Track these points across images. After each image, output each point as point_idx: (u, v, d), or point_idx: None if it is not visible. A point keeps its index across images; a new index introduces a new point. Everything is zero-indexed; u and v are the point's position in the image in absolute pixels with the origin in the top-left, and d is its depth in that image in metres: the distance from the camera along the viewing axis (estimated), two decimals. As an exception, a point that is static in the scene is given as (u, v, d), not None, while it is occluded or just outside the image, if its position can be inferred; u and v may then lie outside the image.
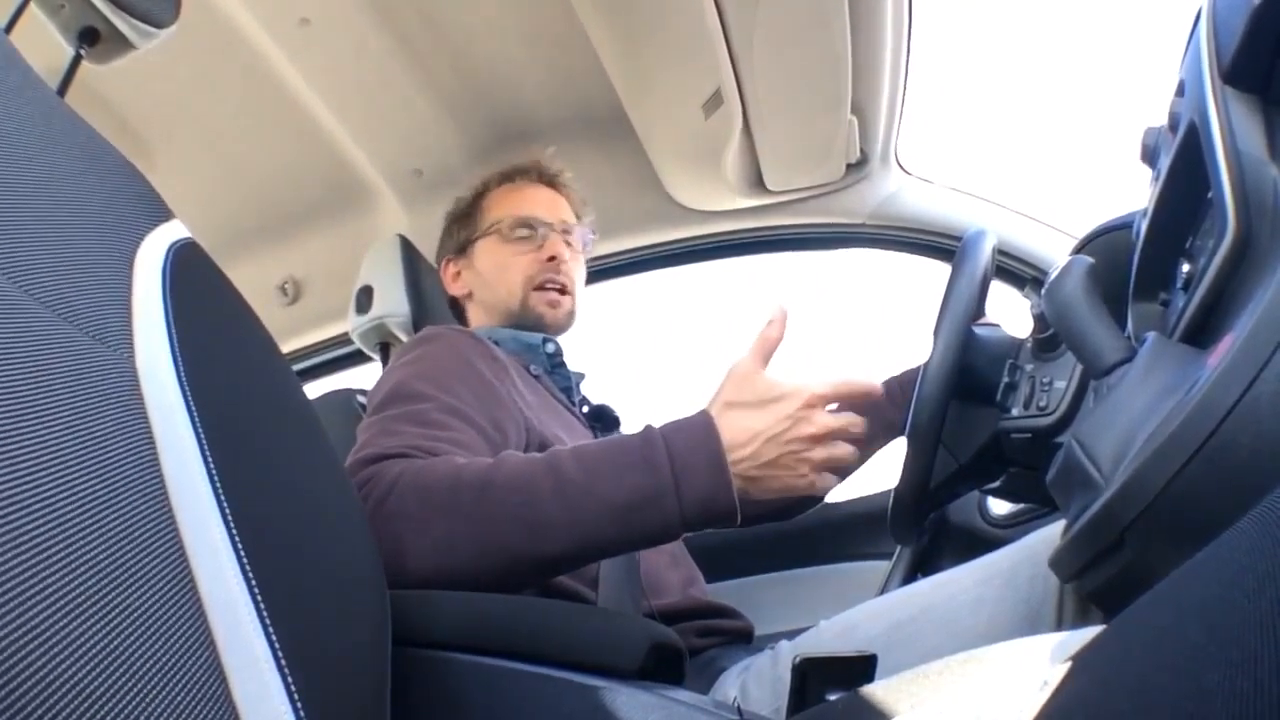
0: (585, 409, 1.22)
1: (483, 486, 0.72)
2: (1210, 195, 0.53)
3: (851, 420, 0.76)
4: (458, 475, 0.74)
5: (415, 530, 0.71)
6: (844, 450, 0.76)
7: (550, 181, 1.28)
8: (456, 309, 1.28)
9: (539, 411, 1.01)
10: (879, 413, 1.13)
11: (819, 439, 0.74)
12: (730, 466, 0.72)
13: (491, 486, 0.72)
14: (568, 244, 1.22)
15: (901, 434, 1.12)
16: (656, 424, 0.77)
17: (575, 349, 1.24)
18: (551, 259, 1.17)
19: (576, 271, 1.22)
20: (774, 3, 1.16)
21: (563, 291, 1.18)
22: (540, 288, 1.17)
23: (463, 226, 1.26)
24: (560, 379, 1.17)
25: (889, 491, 0.95)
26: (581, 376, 1.22)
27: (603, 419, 1.22)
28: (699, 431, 0.74)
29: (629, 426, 1.22)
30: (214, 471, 0.42)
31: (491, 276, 1.19)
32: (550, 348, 1.17)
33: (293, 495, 0.52)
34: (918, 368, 1.15)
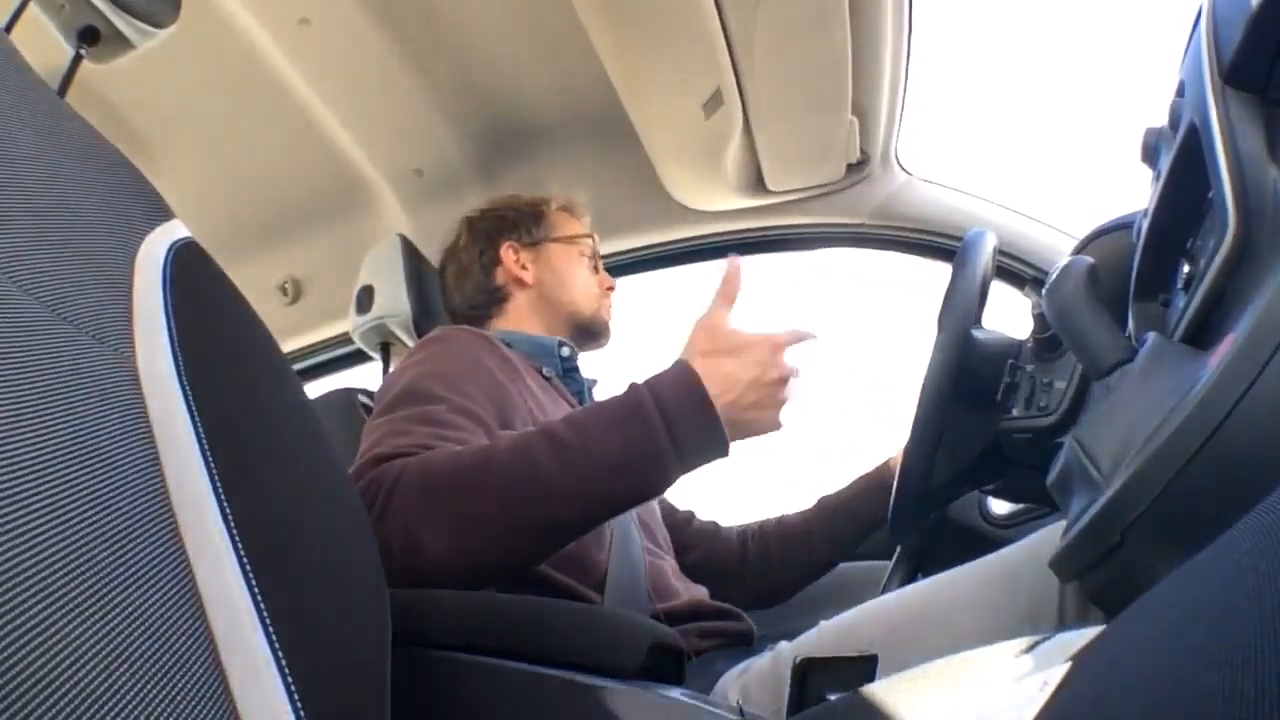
0: None
1: (483, 466, 0.75)
2: (1210, 195, 0.53)
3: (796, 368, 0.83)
4: (458, 460, 0.76)
5: (426, 520, 0.73)
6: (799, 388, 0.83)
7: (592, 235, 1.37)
8: (490, 297, 1.25)
9: (551, 413, 1.01)
10: (852, 512, 1.21)
11: (783, 380, 0.81)
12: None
13: (491, 464, 0.75)
14: None
15: (881, 525, 1.17)
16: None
17: (585, 354, 1.27)
18: (611, 288, 1.30)
19: None
20: (774, 3, 1.16)
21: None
22: (604, 304, 1.28)
23: (536, 223, 1.29)
24: (573, 383, 1.18)
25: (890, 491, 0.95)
26: (594, 382, 1.22)
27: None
28: (682, 378, 0.78)
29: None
30: (214, 471, 0.42)
31: (569, 279, 1.25)
32: (565, 351, 1.19)
33: (293, 495, 0.51)
34: (888, 463, 1.20)
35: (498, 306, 1.25)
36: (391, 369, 1.42)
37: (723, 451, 0.78)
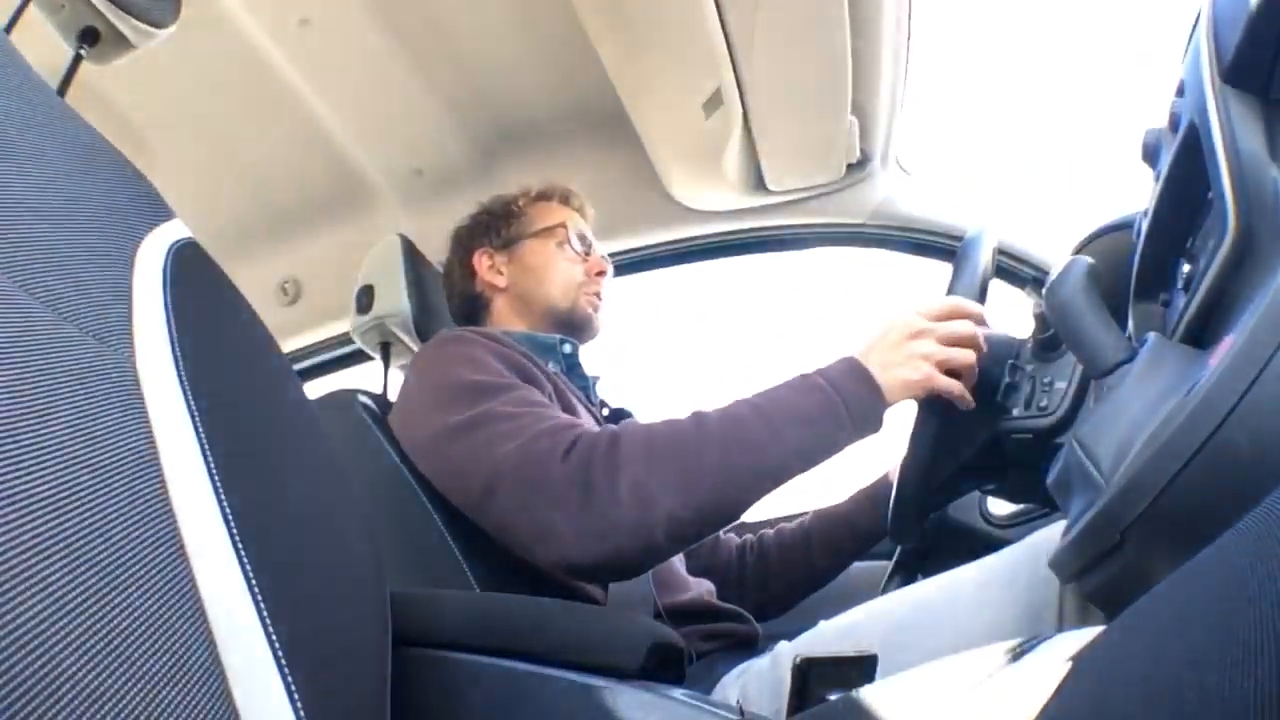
0: (605, 412, 1.23)
1: (699, 424, 0.85)
2: (1210, 195, 0.53)
3: (951, 324, 0.89)
4: (670, 424, 0.87)
5: (656, 469, 0.81)
6: (958, 354, 0.88)
7: (585, 215, 1.34)
8: (472, 305, 1.28)
9: (565, 408, 1.01)
10: (851, 524, 1.22)
11: (917, 335, 0.89)
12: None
13: (704, 425, 0.85)
14: None
15: (881, 539, 1.19)
16: None
17: (585, 350, 1.25)
18: (601, 273, 1.26)
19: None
20: (774, 3, 1.16)
21: (601, 301, 1.26)
22: (587, 294, 1.25)
23: (507, 224, 1.28)
24: (577, 379, 1.18)
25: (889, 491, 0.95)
26: (597, 379, 1.22)
27: (620, 421, 1.23)
28: (842, 360, 0.90)
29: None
30: (214, 471, 0.42)
31: (544, 274, 1.23)
32: (567, 348, 1.19)
33: (293, 495, 0.52)
34: (886, 475, 1.20)
35: (484, 313, 1.26)
36: (394, 369, 1.42)
37: (879, 403, 0.87)
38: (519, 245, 1.26)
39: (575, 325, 1.23)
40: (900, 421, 0.93)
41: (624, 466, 0.81)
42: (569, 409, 1.02)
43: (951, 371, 0.88)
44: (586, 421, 1.05)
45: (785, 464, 0.85)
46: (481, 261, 1.26)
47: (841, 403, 0.86)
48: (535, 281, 1.23)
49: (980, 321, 0.91)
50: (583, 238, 1.27)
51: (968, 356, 0.88)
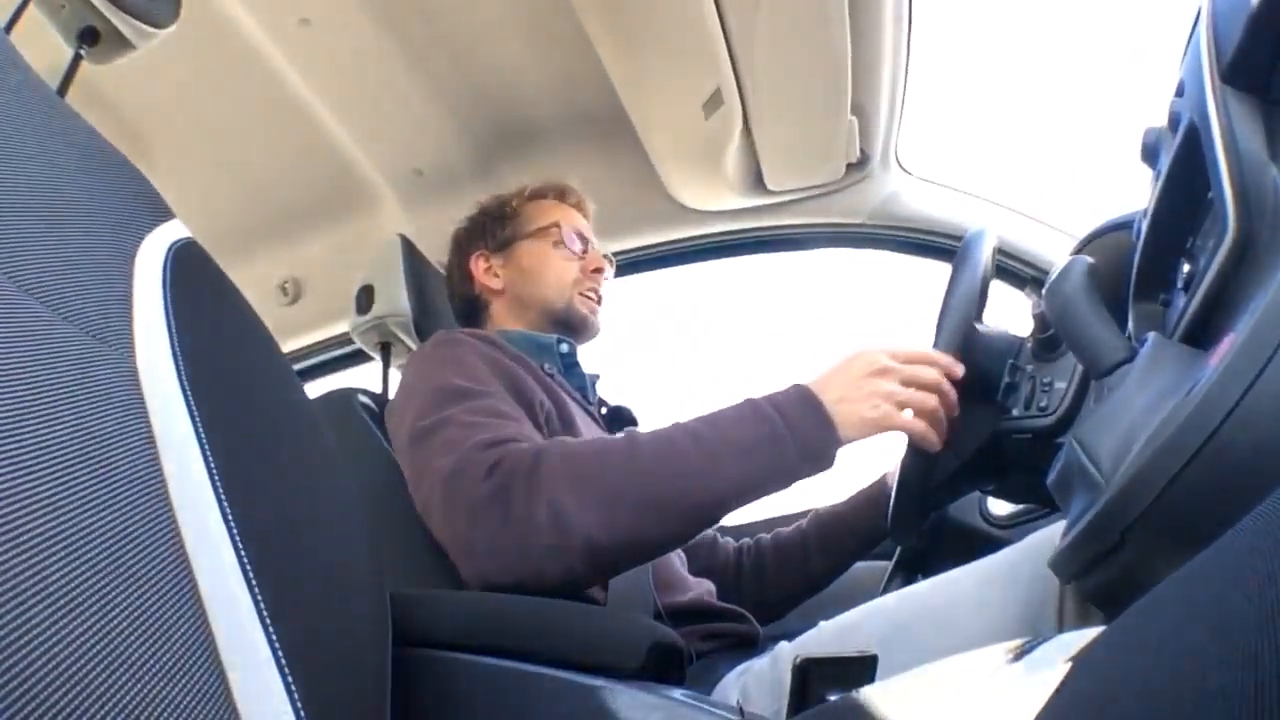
0: (604, 410, 1.23)
1: (630, 449, 0.81)
2: (1210, 195, 0.53)
3: (917, 367, 0.86)
4: (600, 443, 0.83)
5: (573, 493, 0.77)
6: (920, 396, 0.85)
7: (583, 209, 1.33)
8: (471, 307, 1.28)
9: (561, 410, 1.01)
10: (849, 527, 1.20)
11: (880, 373, 0.85)
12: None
13: (639, 447, 0.81)
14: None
15: (881, 542, 1.17)
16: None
17: (585, 349, 1.25)
18: (598, 270, 1.24)
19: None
20: (774, 3, 1.16)
21: (598, 300, 1.25)
22: (583, 293, 1.23)
23: (502, 225, 1.27)
24: (575, 379, 1.17)
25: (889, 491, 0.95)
26: (596, 377, 1.22)
27: (620, 420, 1.23)
28: (792, 388, 0.86)
29: (645, 427, 1.23)
30: (214, 471, 0.42)
31: (538, 275, 1.22)
32: (564, 348, 1.18)
33: (293, 495, 0.52)
34: (884, 477, 1.19)
35: (483, 315, 1.26)
36: (393, 370, 1.42)
37: (831, 438, 0.83)
38: (514, 247, 1.25)
39: (572, 326, 1.21)
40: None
41: (544, 488, 0.77)
42: (562, 410, 1.02)
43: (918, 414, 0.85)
44: (582, 423, 1.05)
45: (720, 497, 0.81)
46: (478, 265, 1.26)
47: (789, 435, 0.82)
48: (531, 283, 1.22)
49: (954, 377, 0.88)
50: (579, 235, 1.26)
51: (930, 401, 0.85)
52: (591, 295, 1.24)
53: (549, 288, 1.21)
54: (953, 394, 0.87)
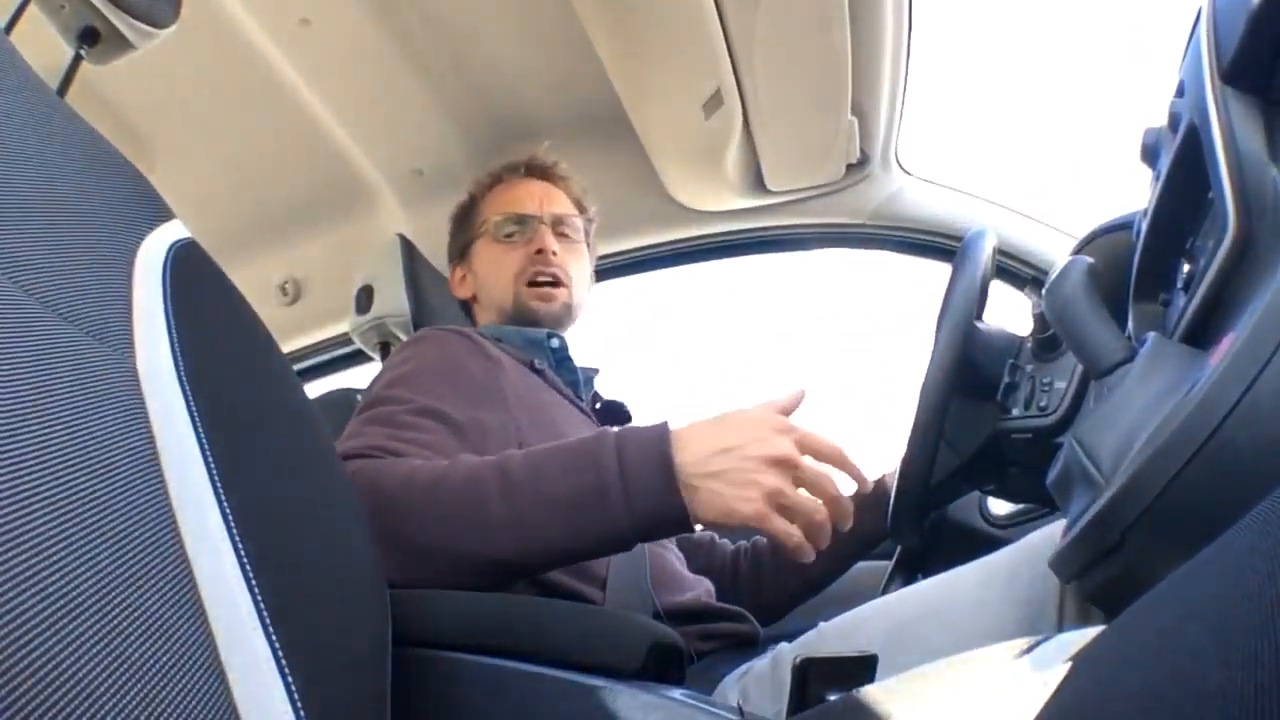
0: (598, 405, 1.22)
1: (432, 487, 0.72)
2: (1210, 195, 0.53)
3: (825, 479, 0.72)
4: (411, 476, 0.73)
5: (371, 523, 0.68)
6: (810, 506, 0.71)
7: (543, 174, 1.27)
8: (468, 311, 1.28)
9: (538, 409, 1.00)
10: (849, 530, 1.15)
11: (777, 463, 0.69)
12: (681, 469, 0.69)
13: (440, 487, 0.71)
14: (562, 234, 1.21)
15: (881, 542, 1.15)
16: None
17: (584, 347, 1.23)
18: (539, 252, 1.16)
19: (572, 263, 1.20)
20: (774, 3, 1.16)
21: (555, 284, 1.16)
22: (532, 283, 1.16)
23: (461, 230, 1.27)
24: (566, 373, 1.16)
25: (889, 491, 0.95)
26: (594, 372, 1.21)
27: (614, 415, 1.22)
28: (653, 434, 0.72)
29: (640, 422, 1.22)
30: (214, 471, 0.42)
31: (486, 277, 1.20)
32: (555, 343, 1.16)
33: (293, 495, 0.52)
34: (884, 479, 1.17)
35: (473, 320, 1.26)
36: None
37: (678, 515, 0.69)
38: (470, 250, 1.24)
39: (527, 322, 1.16)
40: (900, 422, 0.92)
41: None
42: (543, 406, 1.01)
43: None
44: (567, 418, 1.04)
45: (522, 554, 0.70)
46: (455, 275, 1.27)
47: (621, 493, 0.69)
48: (485, 286, 1.21)
49: (862, 490, 0.78)
50: (512, 218, 1.18)
51: (819, 515, 0.72)
52: (542, 280, 1.15)
53: (497, 287, 1.18)
54: (848, 507, 0.74)
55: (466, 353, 0.99)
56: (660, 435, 0.71)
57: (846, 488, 0.76)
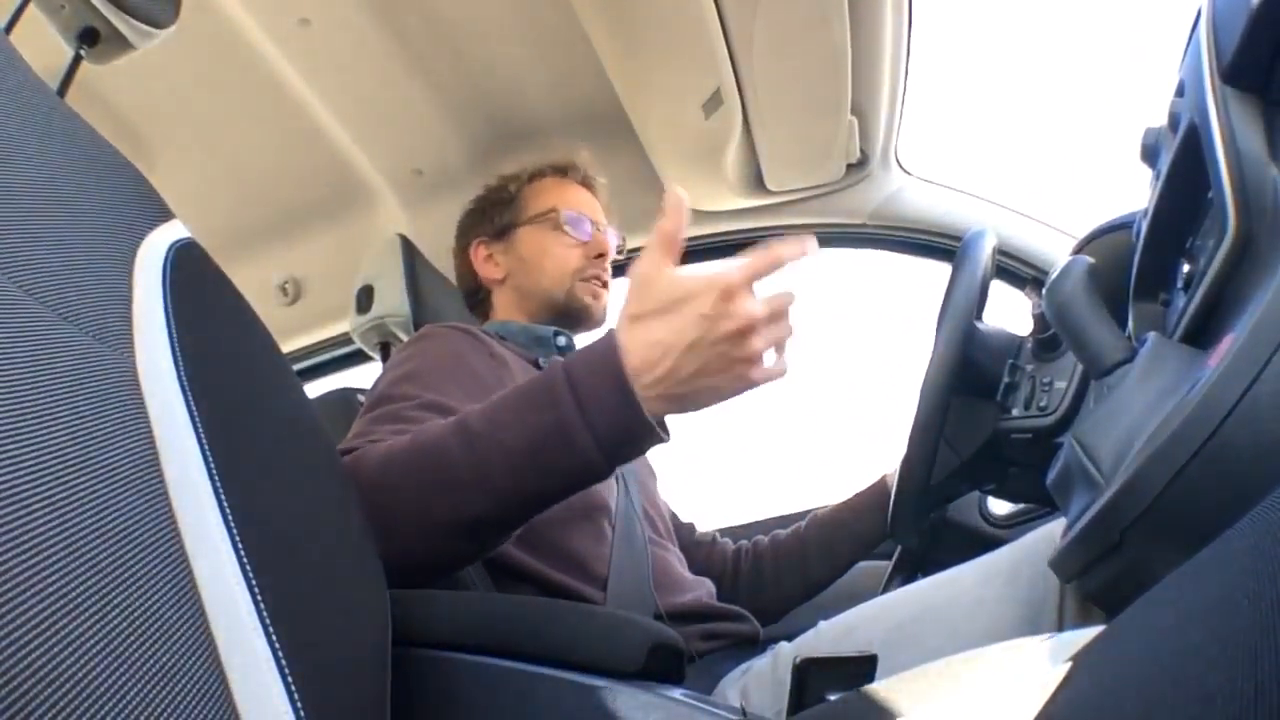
0: None
1: (405, 459, 0.69)
2: (1210, 195, 0.53)
3: (781, 299, 0.67)
4: (389, 452, 0.71)
5: (364, 506, 0.66)
6: (783, 330, 0.67)
7: (590, 185, 1.29)
8: (476, 296, 1.26)
9: None
10: (849, 529, 1.17)
11: (746, 331, 0.64)
12: (646, 388, 0.65)
13: (411, 458, 0.69)
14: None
15: (881, 542, 1.15)
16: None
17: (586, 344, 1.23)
18: (600, 255, 1.19)
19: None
20: (774, 3, 1.16)
21: (604, 286, 1.21)
22: (586, 279, 1.18)
23: (501, 211, 1.24)
24: None
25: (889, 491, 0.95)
26: None
27: None
28: (600, 355, 0.66)
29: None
30: (214, 471, 0.42)
31: (538, 263, 1.19)
32: (561, 340, 1.17)
33: (293, 495, 0.52)
34: (884, 479, 1.18)
35: (486, 304, 1.25)
36: (386, 370, 1.42)
37: (649, 434, 0.66)
38: (514, 233, 1.22)
39: (573, 315, 1.18)
40: (900, 421, 0.92)
41: None
42: None
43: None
44: None
45: (497, 510, 0.68)
46: (478, 253, 1.24)
47: (583, 426, 0.65)
48: (530, 272, 1.19)
49: (784, 260, 0.67)
50: (579, 219, 1.20)
51: (785, 330, 0.68)
52: (595, 282, 1.19)
53: (548, 277, 1.18)
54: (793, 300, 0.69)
55: (470, 349, 0.99)
56: (609, 354, 0.66)
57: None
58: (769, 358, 0.67)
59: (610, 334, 0.68)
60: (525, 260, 1.20)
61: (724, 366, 0.64)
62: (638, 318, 0.66)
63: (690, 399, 0.66)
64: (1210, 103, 0.51)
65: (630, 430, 0.65)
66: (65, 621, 0.30)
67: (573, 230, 1.19)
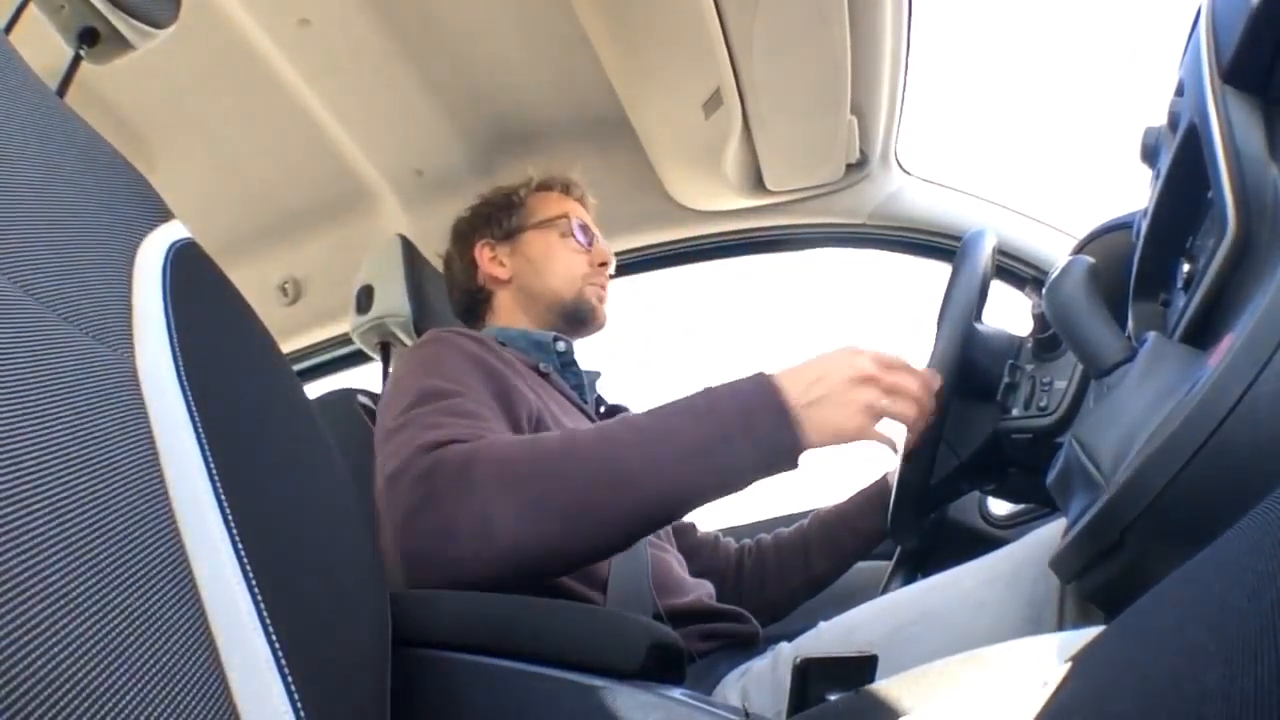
0: (601, 409, 1.23)
1: (563, 449, 0.76)
2: (1210, 195, 0.53)
3: (902, 375, 0.81)
4: (533, 444, 0.77)
5: (501, 499, 0.73)
6: (901, 408, 0.80)
7: (585, 203, 1.33)
8: (473, 299, 1.27)
9: (552, 409, 1.01)
10: (851, 526, 1.18)
11: (867, 380, 0.78)
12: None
13: (573, 448, 0.76)
14: None
15: (882, 540, 1.16)
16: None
17: (586, 348, 1.25)
18: (603, 265, 1.24)
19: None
20: (774, 3, 1.16)
21: (605, 292, 1.25)
22: (590, 284, 1.23)
23: (509, 215, 1.26)
24: (571, 377, 1.17)
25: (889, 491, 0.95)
26: (596, 375, 1.22)
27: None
28: (754, 382, 0.80)
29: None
30: (214, 471, 0.42)
31: (546, 265, 1.22)
32: (561, 346, 1.18)
33: (293, 495, 0.52)
34: (885, 476, 1.18)
35: (485, 307, 1.25)
36: (391, 370, 1.42)
37: (794, 445, 0.77)
38: (520, 236, 1.24)
39: (580, 317, 1.21)
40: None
41: (472, 491, 0.73)
42: (553, 410, 1.01)
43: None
44: (571, 422, 1.04)
45: (664, 501, 0.75)
46: (483, 254, 1.25)
47: (744, 435, 0.76)
48: (538, 273, 1.22)
49: (937, 394, 0.84)
50: (585, 228, 1.26)
51: (910, 412, 0.81)
52: (599, 288, 1.23)
53: (557, 278, 1.21)
54: (930, 404, 0.83)
55: (480, 355, 1.00)
56: (765, 380, 0.80)
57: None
58: (893, 430, 0.81)
59: (761, 373, 0.81)
60: (533, 262, 1.22)
61: (842, 401, 0.78)
62: (787, 369, 0.81)
63: (810, 421, 0.77)
64: (1210, 103, 0.51)
65: (780, 441, 0.77)
66: (65, 621, 0.30)
67: (580, 237, 1.24)
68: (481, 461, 0.75)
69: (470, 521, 0.72)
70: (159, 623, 0.35)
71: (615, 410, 1.25)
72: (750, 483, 0.78)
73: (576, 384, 1.17)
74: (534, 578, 0.76)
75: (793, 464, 0.78)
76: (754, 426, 0.76)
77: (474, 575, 0.71)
